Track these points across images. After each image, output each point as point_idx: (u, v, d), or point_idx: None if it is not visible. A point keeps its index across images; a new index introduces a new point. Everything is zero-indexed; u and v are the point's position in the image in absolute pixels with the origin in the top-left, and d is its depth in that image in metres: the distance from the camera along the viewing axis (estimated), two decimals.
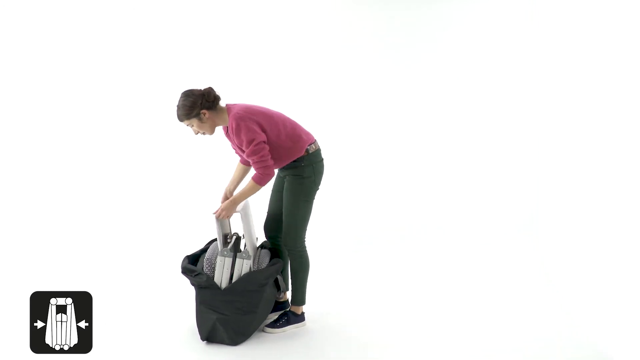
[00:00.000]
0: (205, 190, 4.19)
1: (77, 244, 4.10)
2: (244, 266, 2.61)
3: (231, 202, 2.62)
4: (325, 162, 2.81)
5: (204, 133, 2.63)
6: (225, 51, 4.49)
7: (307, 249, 2.84)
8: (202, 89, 2.61)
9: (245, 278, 2.58)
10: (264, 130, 2.58)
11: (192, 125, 2.59)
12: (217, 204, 2.85)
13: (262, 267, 2.67)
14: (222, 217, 2.64)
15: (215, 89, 2.66)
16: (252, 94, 4.48)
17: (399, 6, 4.42)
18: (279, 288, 2.86)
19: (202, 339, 2.62)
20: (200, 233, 3.37)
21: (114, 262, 3.84)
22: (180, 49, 4.51)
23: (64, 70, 4.46)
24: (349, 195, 4.50)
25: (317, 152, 2.74)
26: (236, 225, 2.83)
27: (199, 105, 2.54)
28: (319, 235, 4.12)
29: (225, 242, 2.71)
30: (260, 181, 2.57)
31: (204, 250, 2.83)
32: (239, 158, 2.88)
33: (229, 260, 2.60)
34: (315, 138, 2.80)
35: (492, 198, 4.44)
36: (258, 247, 2.82)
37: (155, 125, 4.51)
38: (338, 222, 4.41)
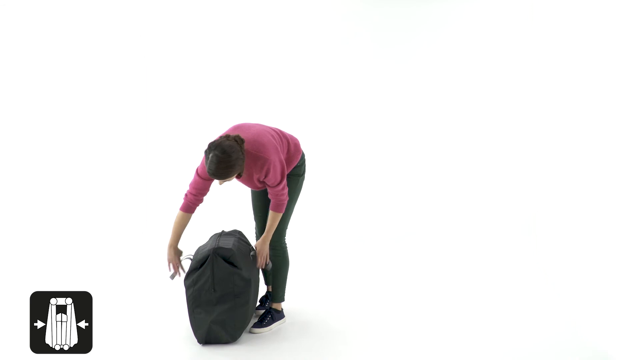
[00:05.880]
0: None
1: (77, 244, 4.10)
2: None
3: (264, 242, 2.71)
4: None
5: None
6: (223, 50, 4.49)
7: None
8: (233, 136, 2.42)
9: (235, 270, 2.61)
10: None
11: (232, 179, 2.47)
12: (214, 203, 2.84)
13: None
14: (265, 261, 2.73)
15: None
16: (250, 94, 4.51)
17: (395, 3, 4.41)
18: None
19: (200, 342, 2.62)
20: (200, 233, 3.37)
21: (114, 262, 3.84)
22: (177, 48, 4.51)
23: (64, 72, 4.47)
24: (349, 197, 4.50)
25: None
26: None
27: (243, 158, 2.41)
28: (319, 236, 4.15)
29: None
30: (282, 209, 2.67)
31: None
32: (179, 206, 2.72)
33: None
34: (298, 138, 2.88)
35: (492, 198, 4.43)
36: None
37: (155, 126, 4.52)
38: (337, 223, 4.41)
